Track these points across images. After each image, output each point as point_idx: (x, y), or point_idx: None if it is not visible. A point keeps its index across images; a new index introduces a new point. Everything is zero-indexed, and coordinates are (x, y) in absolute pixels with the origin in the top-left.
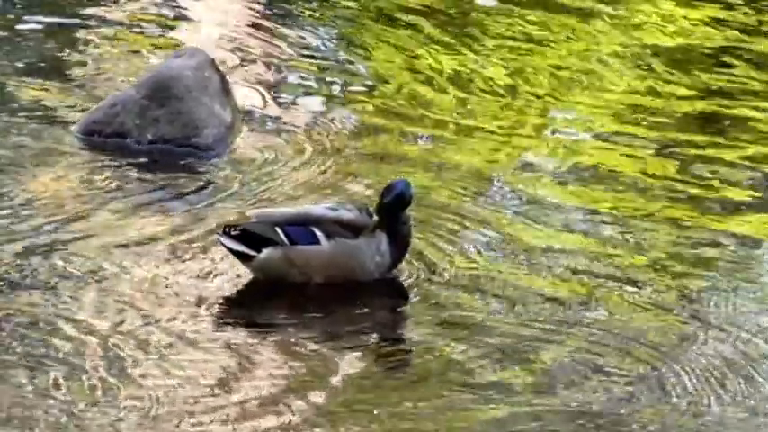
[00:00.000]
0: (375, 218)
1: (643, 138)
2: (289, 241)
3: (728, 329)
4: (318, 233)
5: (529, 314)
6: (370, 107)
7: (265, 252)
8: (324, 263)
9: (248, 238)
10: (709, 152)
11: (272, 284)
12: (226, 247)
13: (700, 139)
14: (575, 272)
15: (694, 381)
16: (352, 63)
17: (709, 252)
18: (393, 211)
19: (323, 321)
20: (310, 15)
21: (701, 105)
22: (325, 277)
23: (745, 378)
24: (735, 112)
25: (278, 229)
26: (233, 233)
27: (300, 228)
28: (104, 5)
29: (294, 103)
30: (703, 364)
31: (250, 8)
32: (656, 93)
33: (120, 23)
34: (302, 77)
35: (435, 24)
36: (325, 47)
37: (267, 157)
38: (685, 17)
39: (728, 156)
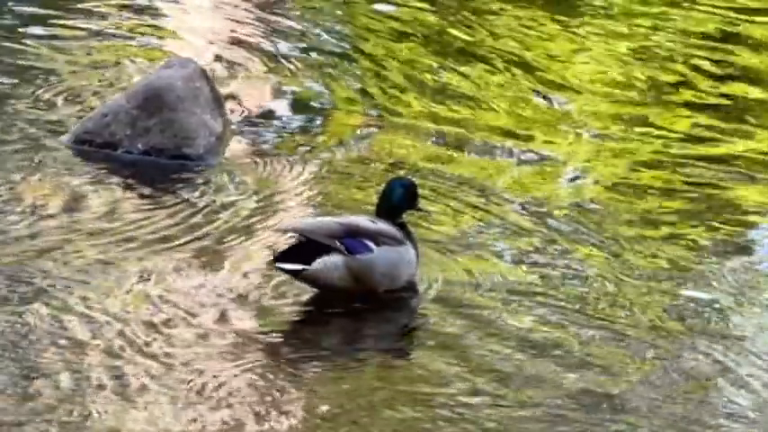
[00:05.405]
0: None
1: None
2: (348, 252)
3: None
4: (369, 243)
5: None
6: (365, 115)
7: (322, 261)
8: (378, 269)
9: (301, 250)
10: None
11: (267, 293)
12: (285, 270)
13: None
14: (590, 277)
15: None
16: (346, 71)
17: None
18: (402, 207)
19: (345, 331)
20: (303, 24)
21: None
22: (376, 284)
23: None
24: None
25: (336, 241)
26: (282, 255)
27: (355, 239)
28: (95, 14)
29: (285, 113)
30: None
31: (242, 17)
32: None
33: (112, 33)
34: (294, 86)
35: (428, 33)
36: (319, 55)
37: (258, 168)
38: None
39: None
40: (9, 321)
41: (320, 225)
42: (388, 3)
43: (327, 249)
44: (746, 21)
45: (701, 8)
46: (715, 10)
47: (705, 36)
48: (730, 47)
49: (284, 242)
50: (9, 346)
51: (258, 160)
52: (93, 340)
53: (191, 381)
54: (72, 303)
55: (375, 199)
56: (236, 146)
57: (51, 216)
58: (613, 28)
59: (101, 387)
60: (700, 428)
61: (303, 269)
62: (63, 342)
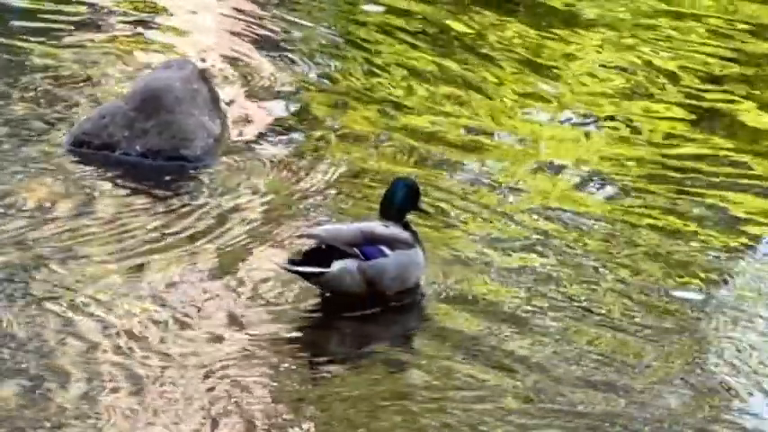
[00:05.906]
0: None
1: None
2: (365, 258)
3: None
4: (383, 248)
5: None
6: (364, 117)
7: (339, 265)
8: (389, 273)
9: (317, 254)
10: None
11: (275, 295)
12: (298, 272)
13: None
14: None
15: None
16: (350, 72)
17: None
18: (407, 208)
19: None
20: (306, 24)
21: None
22: (387, 288)
23: None
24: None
25: (355, 248)
26: (299, 259)
27: (372, 245)
28: (94, 17)
29: (286, 113)
30: None
31: (240, 18)
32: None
33: (110, 34)
34: (293, 87)
35: (432, 32)
36: (321, 55)
37: (258, 169)
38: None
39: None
40: (13, 323)
41: (339, 231)
42: (383, 4)
43: (343, 254)
44: (749, 31)
45: (704, 21)
46: (718, 23)
47: (710, 47)
48: (734, 58)
49: (294, 245)
50: (17, 348)
51: (258, 161)
52: (102, 342)
53: (201, 383)
54: (79, 306)
55: (378, 200)
56: (236, 147)
57: (51, 218)
58: (619, 38)
59: (112, 390)
60: (713, 426)
61: (321, 273)
62: (73, 344)
